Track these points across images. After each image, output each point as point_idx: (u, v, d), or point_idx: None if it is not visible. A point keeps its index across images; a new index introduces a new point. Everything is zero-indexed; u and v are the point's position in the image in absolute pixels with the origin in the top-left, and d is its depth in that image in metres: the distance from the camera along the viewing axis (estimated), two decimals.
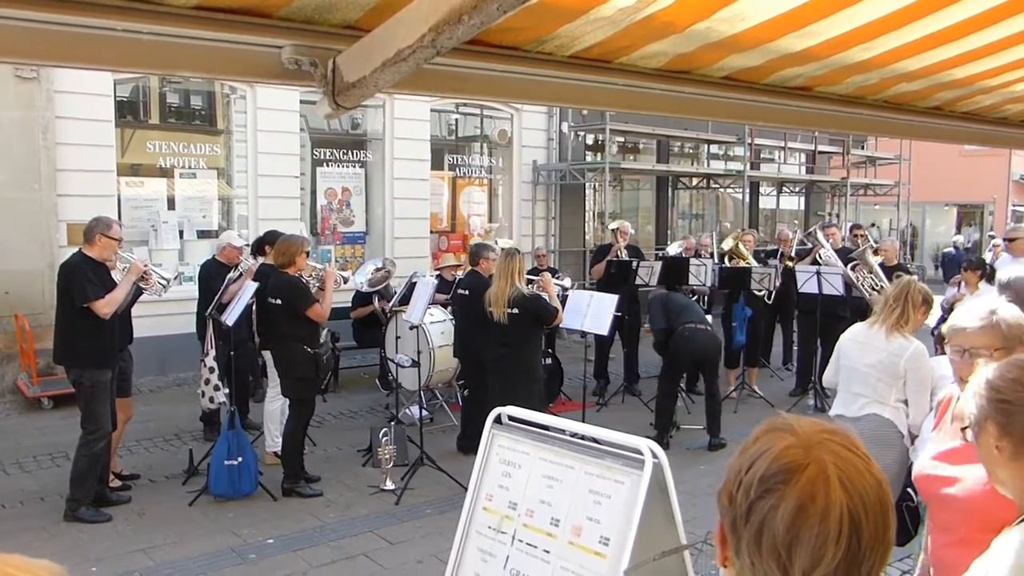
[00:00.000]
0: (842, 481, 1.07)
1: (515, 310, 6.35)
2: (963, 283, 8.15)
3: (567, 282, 8.92)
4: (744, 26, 2.32)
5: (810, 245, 10.53)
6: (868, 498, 1.08)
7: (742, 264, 9.88)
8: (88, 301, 5.68)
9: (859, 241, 10.80)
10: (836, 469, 1.08)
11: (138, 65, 1.92)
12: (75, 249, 6.13)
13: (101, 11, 1.65)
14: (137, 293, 6.25)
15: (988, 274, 7.97)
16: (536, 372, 6.63)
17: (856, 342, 4.76)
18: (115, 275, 6.02)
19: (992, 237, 20.45)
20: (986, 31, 2.57)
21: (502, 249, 7.15)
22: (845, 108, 3.24)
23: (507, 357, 6.48)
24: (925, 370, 4.43)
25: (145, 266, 6.15)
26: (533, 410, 3.56)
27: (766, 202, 19.61)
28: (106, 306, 5.73)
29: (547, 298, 6.76)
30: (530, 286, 6.73)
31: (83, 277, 5.72)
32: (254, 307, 7.19)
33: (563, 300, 7.98)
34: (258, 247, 7.98)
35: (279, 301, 6.41)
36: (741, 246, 10.18)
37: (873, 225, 18.51)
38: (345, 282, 8.25)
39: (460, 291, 7.70)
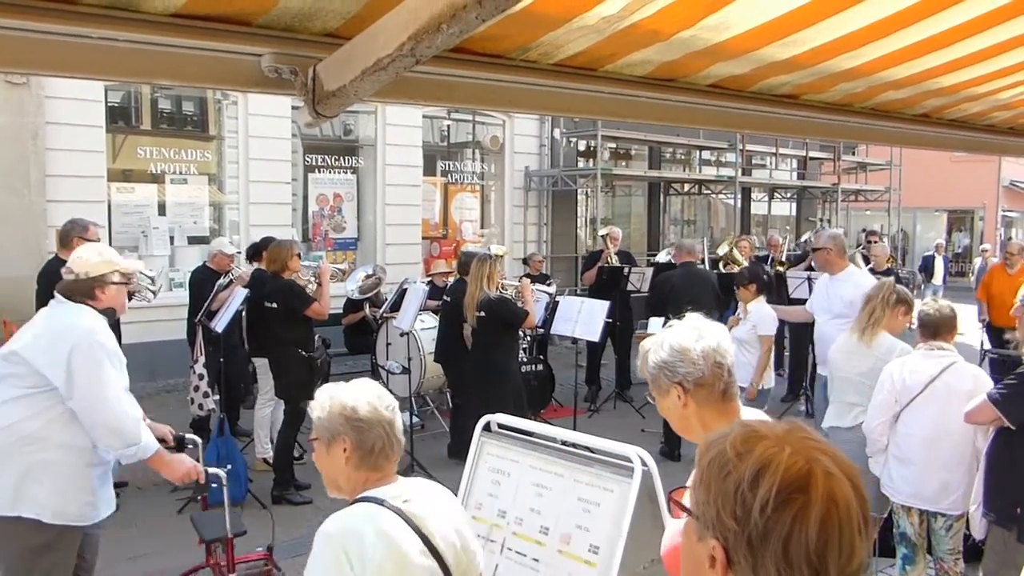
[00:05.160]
0: (846, 477, 1.11)
1: (482, 313, 6.56)
2: (739, 302, 6.71)
3: (552, 289, 8.92)
4: (729, 34, 2.32)
5: (801, 252, 10.54)
6: (861, 487, 1.13)
7: (736, 270, 9.87)
8: None
9: (875, 248, 10.74)
10: (836, 468, 1.11)
11: (114, 73, 1.89)
12: None
13: (75, 18, 1.62)
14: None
15: (767, 286, 6.89)
16: (509, 373, 6.76)
17: (842, 352, 4.76)
18: None
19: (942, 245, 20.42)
20: (973, 39, 2.57)
21: (476, 256, 7.21)
22: (833, 116, 3.24)
23: (480, 360, 6.75)
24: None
25: None
26: (508, 411, 3.58)
27: (758, 208, 19.66)
28: None
29: (519, 302, 6.84)
30: (506, 291, 6.83)
31: None
32: (244, 314, 7.17)
33: (553, 307, 8.00)
34: (254, 253, 7.96)
35: (275, 305, 6.48)
36: (736, 252, 10.19)
37: (863, 231, 18.62)
38: (343, 273, 8.24)
39: (445, 297, 7.77)
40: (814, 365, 8.82)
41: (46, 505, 3.35)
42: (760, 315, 6.42)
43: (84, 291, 3.56)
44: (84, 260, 3.58)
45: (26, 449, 3.34)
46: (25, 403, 3.37)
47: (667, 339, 2.10)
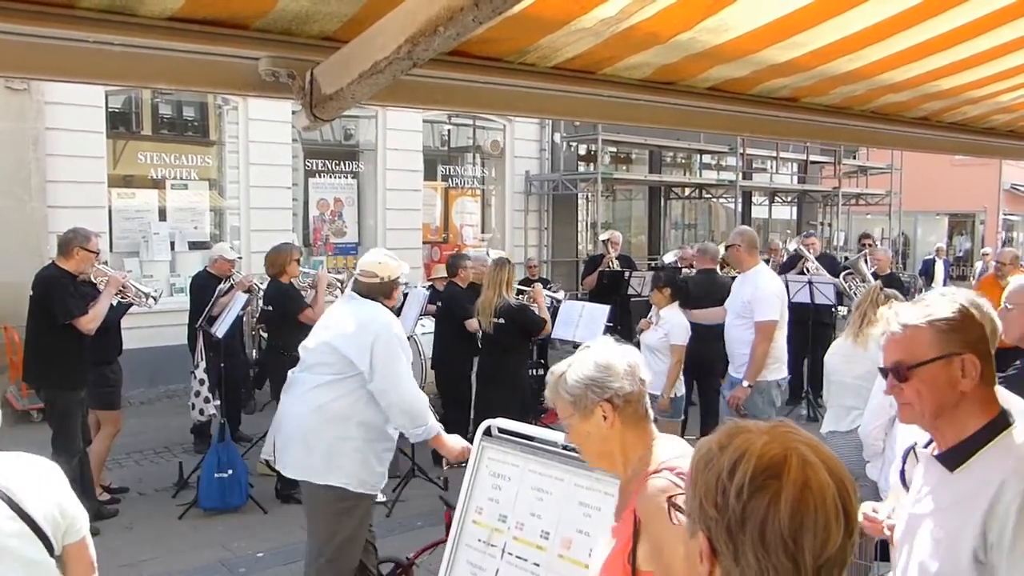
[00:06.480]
0: (825, 465, 1.13)
1: (501, 320, 6.46)
2: (653, 306, 6.53)
3: (560, 295, 8.91)
4: (728, 37, 2.31)
5: (787, 257, 10.54)
6: (846, 478, 1.14)
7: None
8: (73, 318, 5.51)
9: (878, 252, 10.74)
10: (815, 456, 1.13)
11: (110, 77, 1.90)
12: None
13: (71, 22, 1.62)
14: (127, 306, 6.20)
15: (683, 293, 6.70)
16: (519, 379, 6.72)
17: (838, 356, 4.75)
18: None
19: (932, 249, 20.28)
20: (972, 42, 2.56)
21: (493, 260, 7.18)
22: (832, 119, 3.23)
23: (492, 364, 6.68)
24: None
25: (123, 278, 6.09)
26: (513, 416, 3.58)
27: (758, 212, 19.66)
28: (91, 322, 5.58)
29: (536, 309, 6.78)
30: (520, 296, 6.79)
31: (65, 292, 5.52)
32: (245, 319, 7.20)
33: (555, 311, 7.99)
34: None
35: (271, 308, 6.67)
36: None
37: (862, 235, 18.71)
38: (341, 284, 8.25)
39: (438, 302, 7.83)
40: (811, 368, 8.85)
41: (352, 475, 3.89)
42: (672, 324, 6.26)
43: (385, 292, 4.12)
44: (387, 265, 4.11)
45: (334, 426, 3.87)
46: (333, 387, 3.91)
47: (588, 357, 2.00)
